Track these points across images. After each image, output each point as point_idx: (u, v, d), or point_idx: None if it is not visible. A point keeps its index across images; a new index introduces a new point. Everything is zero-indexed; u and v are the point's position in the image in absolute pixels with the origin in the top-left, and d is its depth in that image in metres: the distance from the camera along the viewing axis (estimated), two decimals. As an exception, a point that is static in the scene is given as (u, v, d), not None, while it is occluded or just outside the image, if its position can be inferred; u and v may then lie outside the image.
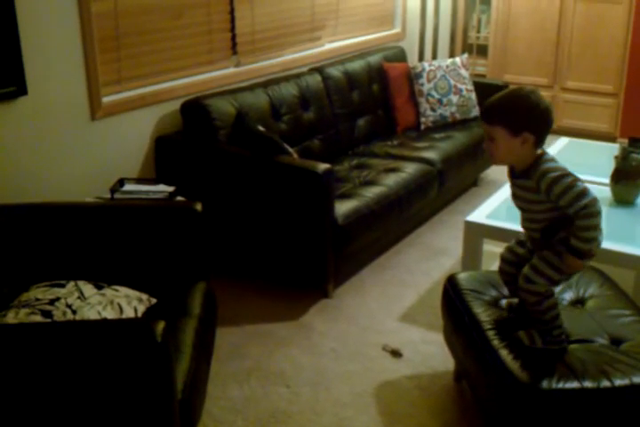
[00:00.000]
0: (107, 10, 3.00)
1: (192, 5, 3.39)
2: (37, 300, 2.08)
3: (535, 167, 2.02)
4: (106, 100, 3.05)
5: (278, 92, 3.58)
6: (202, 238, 2.44)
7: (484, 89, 4.42)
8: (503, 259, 2.28)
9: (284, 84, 3.66)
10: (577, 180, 1.99)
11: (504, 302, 2.32)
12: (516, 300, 2.29)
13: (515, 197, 2.14)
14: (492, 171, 4.62)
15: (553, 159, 2.05)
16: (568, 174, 2.00)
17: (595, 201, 1.97)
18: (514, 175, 2.11)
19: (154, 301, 2.30)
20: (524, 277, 2.10)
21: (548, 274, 2.07)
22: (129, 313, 2.16)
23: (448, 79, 4.31)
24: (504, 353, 2.06)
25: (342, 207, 3.09)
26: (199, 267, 2.45)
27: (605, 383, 1.93)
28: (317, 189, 2.93)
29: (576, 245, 1.99)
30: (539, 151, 2.05)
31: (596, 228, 1.98)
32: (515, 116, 2.00)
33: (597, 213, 1.97)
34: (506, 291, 2.35)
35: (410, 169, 3.60)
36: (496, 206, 3.09)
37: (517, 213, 2.19)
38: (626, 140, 3.31)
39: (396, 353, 2.75)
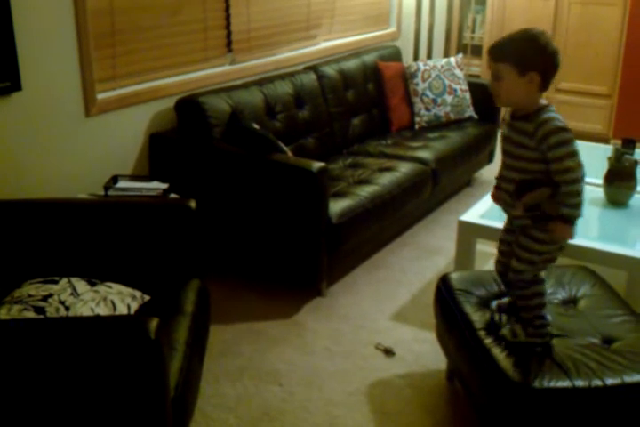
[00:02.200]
0: (102, 6, 2.99)
1: (188, 3, 3.38)
2: (30, 296, 2.07)
3: (539, 113, 2.01)
4: (100, 96, 3.04)
5: (273, 91, 3.58)
6: (195, 236, 2.44)
7: (478, 89, 4.43)
8: (499, 250, 2.28)
9: (279, 83, 3.65)
10: (574, 139, 1.99)
11: (494, 303, 2.32)
12: (505, 300, 2.30)
13: (506, 139, 2.11)
14: (486, 171, 4.63)
15: (558, 115, 2.03)
16: (569, 131, 1.99)
17: (582, 166, 1.99)
18: (513, 117, 2.09)
19: (147, 298, 2.30)
20: (513, 261, 2.12)
21: (533, 249, 2.08)
22: (122, 310, 2.15)
23: (443, 79, 4.32)
24: (496, 352, 2.07)
25: (336, 206, 3.09)
26: (193, 264, 2.45)
27: (597, 382, 1.94)
28: (311, 188, 2.93)
29: (566, 212, 2.00)
30: (545, 101, 2.05)
31: (581, 194, 2.00)
32: (523, 55, 1.98)
33: (581, 180, 1.99)
34: (497, 291, 2.36)
35: (404, 168, 3.60)
36: (489, 206, 3.09)
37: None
38: (619, 142, 3.32)
39: (388, 352, 2.76)
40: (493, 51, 2.04)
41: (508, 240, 2.24)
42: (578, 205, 2.01)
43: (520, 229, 2.13)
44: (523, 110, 2.06)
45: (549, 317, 2.17)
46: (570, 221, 2.02)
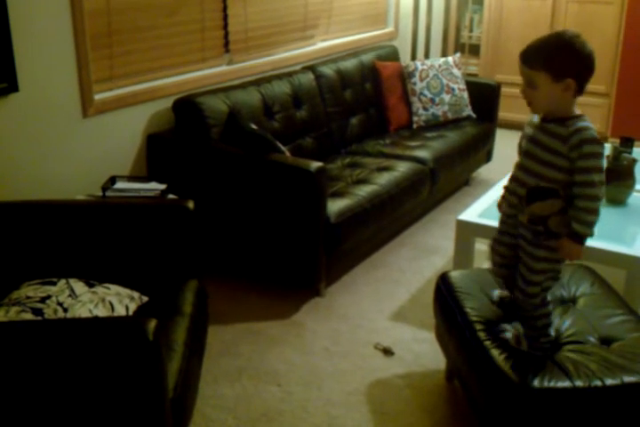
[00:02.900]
0: (99, 7, 2.99)
1: (185, 3, 3.38)
2: (28, 298, 2.07)
3: (576, 119, 1.93)
4: (98, 97, 3.04)
5: (271, 91, 3.58)
6: (194, 236, 2.43)
7: (476, 88, 4.44)
8: (495, 251, 2.22)
9: (277, 83, 3.65)
10: (604, 155, 1.93)
11: (496, 293, 2.30)
12: (507, 293, 2.28)
13: (532, 141, 2.00)
14: (484, 170, 4.63)
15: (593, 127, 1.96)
16: (602, 145, 1.93)
17: (603, 186, 1.92)
18: (544, 119, 1.99)
19: (145, 299, 2.29)
20: (520, 282, 2.08)
21: (541, 268, 2.03)
22: (120, 311, 2.15)
23: (440, 78, 4.32)
24: (496, 353, 2.06)
25: (334, 206, 3.09)
26: (191, 265, 2.45)
27: (596, 383, 1.93)
28: (310, 188, 2.93)
29: (577, 229, 1.93)
30: (579, 111, 1.96)
31: (597, 213, 1.93)
32: (559, 62, 1.89)
33: (600, 199, 1.92)
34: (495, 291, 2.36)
35: (402, 168, 3.60)
36: (488, 205, 3.10)
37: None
38: (617, 140, 3.33)
39: (387, 352, 2.75)
40: (527, 57, 1.93)
41: (505, 242, 2.17)
42: (592, 224, 1.93)
43: (522, 237, 2.06)
44: (555, 114, 1.97)
45: (553, 332, 2.15)
46: (580, 239, 1.95)
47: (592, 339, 2.14)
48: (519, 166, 2.06)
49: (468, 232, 2.97)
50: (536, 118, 2.05)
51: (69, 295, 2.10)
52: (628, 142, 3.23)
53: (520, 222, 2.08)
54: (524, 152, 2.04)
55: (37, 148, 2.84)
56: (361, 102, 4.18)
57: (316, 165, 2.93)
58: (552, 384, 1.93)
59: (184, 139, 3.26)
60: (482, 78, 5.25)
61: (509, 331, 2.16)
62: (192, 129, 3.23)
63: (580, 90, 1.94)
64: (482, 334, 2.15)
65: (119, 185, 2.94)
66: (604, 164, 1.93)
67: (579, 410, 1.94)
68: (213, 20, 3.57)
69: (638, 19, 4.87)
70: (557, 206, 1.97)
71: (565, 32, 1.96)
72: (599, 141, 1.92)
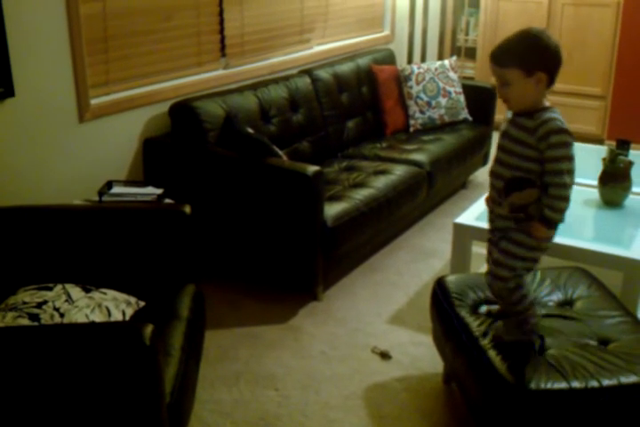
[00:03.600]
0: (95, 11, 2.99)
1: (181, 7, 3.38)
2: (25, 303, 2.06)
3: (543, 111, 2.00)
4: (94, 102, 3.04)
5: (267, 95, 3.58)
6: (190, 241, 2.43)
7: (472, 91, 4.44)
8: (488, 260, 2.25)
9: (274, 87, 3.65)
10: (573, 144, 1.99)
11: (484, 308, 2.32)
12: (495, 307, 2.30)
13: (504, 135, 2.09)
14: (481, 173, 4.63)
15: (561, 117, 2.02)
16: (571, 134, 1.98)
17: (573, 175, 1.99)
18: (516, 113, 2.07)
19: (142, 304, 2.29)
20: (492, 266, 2.11)
21: (516, 253, 2.06)
22: (117, 316, 2.15)
23: (437, 82, 4.32)
24: (492, 355, 2.06)
25: (331, 209, 3.09)
26: (188, 269, 2.45)
27: (593, 384, 1.93)
28: (307, 192, 2.93)
29: (548, 215, 1.99)
30: (549, 103, 2.04)
31: (567, 199, 1.99)
32: (527, 56, 1.97)
33: (570, 186, 1.99)
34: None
35: (399, 171, 3.61)
36: (485, 208, 3.09)
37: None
38: (613, 143, 3.33)
39: (385, 355, 2.75)
40: (496, 56, 2.01)
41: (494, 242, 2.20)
42: (562, 210, 2.00)
43: (501, 231, 2.11)
44: (529, 107, 2.04)
45: (535, 318, 2.16)
46: (551, 224, 2.01)
47: (589, 340, 2.15)
48: (495, 160, 2.13)
49: (465, 235, 2.97)
50: (510, 114, 2.11)
51: (66, 300, 2.10)
52: (624, 145, 3.24)
53: (497, 215, 2.13)
54: (499, 146, 2.12)
55: (33, 153, 2.83)
56: (357, 106, 4.19)
57: (312, 168, 2.93)
58: (549, 386, 1.93)
59: (181, 143, 3.26)
60: (478, 81, 5.26)
61: (493, 310, 2.19)
62: (189, 133, 3.24)
63: (551, 81, 2.02)
64: (478, 337, 2.15)
65: (116, 190, 2.94)
66: (573, 152, 1.98)
67: (576, 411, 1.93)
68: (209, 24, 3.58)
69: (634, 21, 4.88)
70: (535, 195, 2.03)
71: (530, 29, 2.03)
72: (566, 131, 1.98)
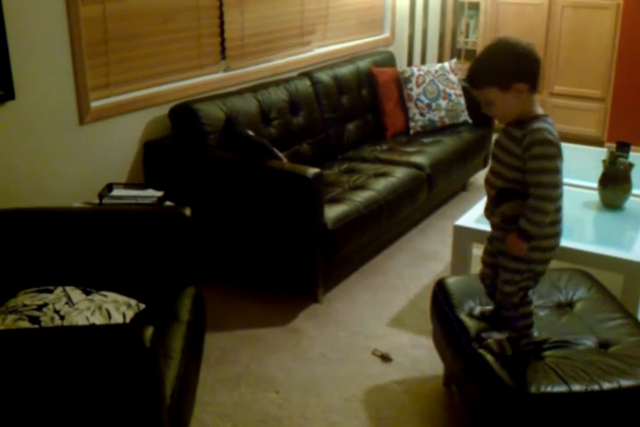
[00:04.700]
0: (95, 14, 2.99)
1: (181, 10, 3.39)
2: (25, 306, 2.06)
3: (532, 121, 1.97)
4: (94, 104, 3.04)
5: (268, 97, 3.58)
6: (191, 243, 2.43)
7: (472, 94, 4.43)
8: (482, 260, 2.25)
9: (274, 89, 3.66)
10: (560, 158, 1.93)
11: (477, 310, 2.31)
12: (489, 308, 2.29)
13: (496, 144, 2.09)
14: (481, 175, 4.62)
15: (552, 127, 1.97)
16: (557, 146, 1.94)
17: (557, 189, 1.93)
18: (508, 123, 2.06)
19: (142, 306, 2.29)
20: (499, 282, 2.10)
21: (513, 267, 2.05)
22: (117, 319, 2.15)
23: (437, 84, 4.33)
24: (492, 358, 2.06)
25: (332, 212, 3.09)
26: (188, 272, 2.44)
27: (594, 387, 1.93)
28: (307, 194, 2.93)
29: (523, 226, 1.95)
30: (541, 111, 2.00)
31: (547, 213, 1.94)
32: (499, 72, 1.94)
33: (552, 200, 1.93)
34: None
35: (399, 174, 3.61)
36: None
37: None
38: (613, 145, 3.33)
39: (385, 358, 2.75)
40: (472, 79, 2.00)
41: (490, 251, 2.20)
42: (540, 224, 1.95)
43: (497, 239, 2.10)
44: (521, 116, 2.01)
45: (536, 333, 2.15)
46: (527, 237, 1.96)
47: (590, 343, 2.14)
48: (489, 169, 2.12)
49: (465, 238, 2.97)
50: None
51: (66, 303, 2.10)
52: (624, 147, 3.23)
53: (492, 224, 2.12)
54: (492, 155, 2.12)
55: (34, 155, 2.84)
56: (358, 108, 4.19)
57: (313, 171, 2.93)
58: (549, 389, 1.93)
59: (181, 146, 3.26)
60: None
61: (491, 338, 2.14)
62: (189, 136, 3.24)
63: (534, 87, 1.98)
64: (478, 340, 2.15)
65: (116, 192, 2.94)
66: (557, 164, 1.93)
67: (576, 415, 1.93)
68: (210, 26, 3.58)
69: (633, 23, 4.88)
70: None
71: (497, 42, 2.00)
72: (551, 142, 1.93)
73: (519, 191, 2.00)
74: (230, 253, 3.24)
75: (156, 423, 1.78)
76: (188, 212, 2.42)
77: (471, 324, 2.23)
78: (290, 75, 4.00)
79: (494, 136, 4.59)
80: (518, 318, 2.10)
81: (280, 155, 3.19)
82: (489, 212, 2.13)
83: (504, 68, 1.94)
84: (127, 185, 3.09)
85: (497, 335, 2.16)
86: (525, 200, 1.98)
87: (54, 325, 2.01)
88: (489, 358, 2.07)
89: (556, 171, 1.93)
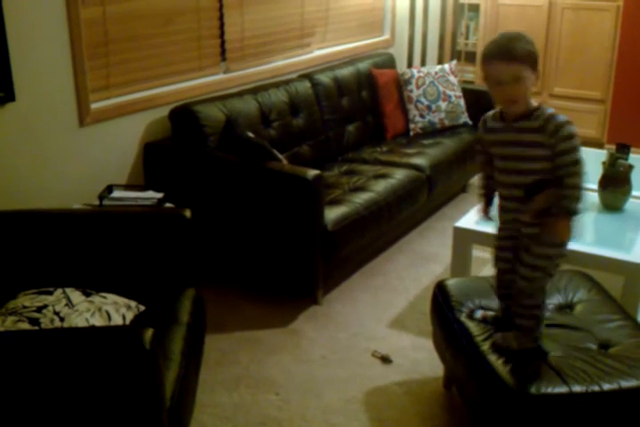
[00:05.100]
0: (95, 16, 3.00)
1: (181, 12, 3.39)
2: (25, 307, 2.06)
3: (540, 110, 2.02)
4: (94, 106, 3.04)
5: (268, 99, 3.58)
6: (191, 245, 2.43)
7: (472, 95, 4.44)
8: (499, 258, 2.22)
9: (274, 91, 3.66)
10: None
11: (479, 313, 2.31)
12: (491, 313, 2.29)
13: (509, 144, 2.06)
14: (481, 177, 4.63)
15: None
16: (572, 125, 2.00)
17: (583, 160, 1.99)
18: (505, 119, 2.07)
19: (142, 308, 2.29)
20: (524, 269, 2.09)
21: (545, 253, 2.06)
22: (117, 321, 2.14)
23: (437, 86, 4.33)
24: (493, 359, 2.06)
25: (332, 213, 3.09)
26: (188, 274, 2.44)
27: (594, 388, 1.93)
28: (307, 196, 2.93)
29: (568, 206, 1.97)
30: (534, 102, 2.05)
31: (582, 188, 1.99)
32: (532, 53, 1.99)
33: (582, 175, 1.99)
34: (492, 300, 2.35)
35: (399, 175, 3.61)
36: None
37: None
38: (613, 147, 3.33)
39: (385, 359, 2.75)
40: (506, 53, 1.97)
41: (506, 258, 2.19)
42: (580, 200, 1.99)
43: (529, 237, 2.08)
44: (516, 111, 2.03)
45: (542, 327, 2.16)
46: (568, 214, 1.98)
47: (590, 345, 2.14)
48: (503, 171, 2.11)
49: (465, 239, 2.97)
50: (493, 124, 2.11)
51: (66, 305, 2.10)
52: (624, 148, 3.24)
53: (523, 222, 2.10)
54: (502, 157, 2.10)
55: (34, 157, 2.84)
56: (358, 110, 4.19)
57: (313, 172, 2.93)
58: (550, 390, 1.93)
59: (181, 147, 3.26)
60: (478, 85, 5.26)
61: (496, 335, 2.15)
62: (189, 137, 3.24)
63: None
64: (478, 341, 2.15)
65: (116, 194, 2.94)
66: (578, 140, 2.00)
67: (577, 416, 1.93)
68: (210, 28, 3.58)
69: (633, 25, 4.89)
70: (554, 195, 2.01)
71: (511, 31, 2.07)
72: (571, 123, 2.00)
73: (546, 181, 2.01)
74: (230, 255, 3.24)
75: (156, 425, 1.78)
76: (188, 213, 2.42)
77: (471, 325, 2.23)
78: (290, 76, 4.00)
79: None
80: (539, 305, 2.11)
81: (280, 156, 3.19)
82: (513, 213, 2.11)
83: (534, 51, 2.01)
84: (127, 187, 3.09)
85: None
86: (553, 188, 1.99)
87: (54, 326, 2.01)
88: (489, 358, 2.07)
89: (579, 149, 2.00)
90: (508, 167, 2.09)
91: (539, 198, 2.03)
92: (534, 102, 2.05)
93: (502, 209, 2.17)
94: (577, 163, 1.97)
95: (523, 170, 2.05)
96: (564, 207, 1.98)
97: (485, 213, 2.32)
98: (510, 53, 1.97)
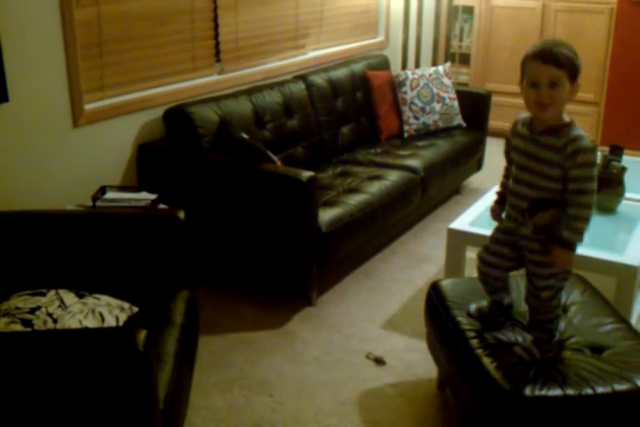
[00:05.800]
0: (90, 16, 2.99)
1: (175, 13, 3.38)
2: (18, 309, 2.05)
3: (569, 128, 1.95)
4: (88, 107, 3.03)
5: (262, 100, 3.58)
6: (184, 246, 2.43)
7: (466, 97, 4.46)
8: (486, 262, 2.22)
9: (268, 92, 3.66)
10: (596, 164, 1.95)
11: (473, 307, 2.30)
12: (485, 303, 2.29)
13: (525, 154, 2.02)
14: (475, 179, 4.64)
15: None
16: (596, 154, 1.95)
17: (595, 195, 1.94)
18: (533, 130, 2.01)
19: (135, 309, 2.28)
20: (536, 280, 2.07)
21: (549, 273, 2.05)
22: (110, 322, 2.14)
23: (431, 87, 4.33)
24: (487, 361, 2.06)
25: (326, 215, 3.09)
26: (182, 275, 2.44)
27: (588, 391, 1.93)
28: (301, 197, 2.93)
29: (567, 237, 1.94)
30: (568, 118, 1.99)
31: (587, 220, 1.94)
32: (576, 64, 1.96)
33: (592, 207, 1.94)
34: (486, 300, 2.35)
35: (393, 177, 3.61)
36: (479, 214, 3.11)
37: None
38: (607, 149, 3.34)
39: (379, 361, 2.75)
40: (548, 55, 1.93)
41: (500, 252, 2.18)
42: (582, 232, 1.94)
43: (534, 263, 2.07)
44: (546, 123, 1.98)
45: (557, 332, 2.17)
46: (569, 246, 1.96)
47: (583, 347, 2.15)
48: (516, 180, 2.07)
49: (459, 241, 2.97)
50: (523, 129, 2.05)
51: (59, 306, 2.09)
52: (617, 150, 3.25)
53: (523, 235, 2.08)
54: (519, 166, 2.06)
55: (27, 158, 2.83)
56: (352, 111, 4.20)
57: (307, 174, 2.93)
58: (544, 393, 1.93)
59: (175, 148, 3.26)
60: (472, 87, 5.29)
61: (516, 348, 2.13)
62: (183, 139, 3.23)
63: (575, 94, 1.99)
64: (473, 343, 2.15)
65: (109, 195, 2.94)
66: (596, 172, 1.95)
67: (570, 418, 1.93)
68: (204, 29, 3.58)
69: (627, 27, 4.90)
70: (559, 215, 1.99)
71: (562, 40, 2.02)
72: (593, 150, 1.94)
73: (554, 200, 1.98)
74: (224, 256, 3.24)
75: (149, 427, 1.78)
76: (181, 215, 2.42)
77: (466, 326, 2.23)
78: (284, 78, 4.00)
79: (488, 139, 4.61)
80: (553, 320, 2.10)
81: (274, 158, 3.19)
82: (517, 223, 2.08)
83: (576, 61, 1.97)
84: (121, 188, 3.09)
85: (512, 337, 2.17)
86: (559, 209, 1.96)
87: (47, 328, 2.00)
88: (484, 360, 2.07)
89: (596, 178, 1.94)
90: (520, 178, 2.05)
91: (540, 215, 2.00)
92: (567, 118, 1.98)
93: (507, 216, 2.16)
94: (587, 193, 1.92)
95: (534, 185, 2.01)
96: (563, 238, 1.95)
97: (494, 213, 2.25)
98: (551, 56, 1.93)
